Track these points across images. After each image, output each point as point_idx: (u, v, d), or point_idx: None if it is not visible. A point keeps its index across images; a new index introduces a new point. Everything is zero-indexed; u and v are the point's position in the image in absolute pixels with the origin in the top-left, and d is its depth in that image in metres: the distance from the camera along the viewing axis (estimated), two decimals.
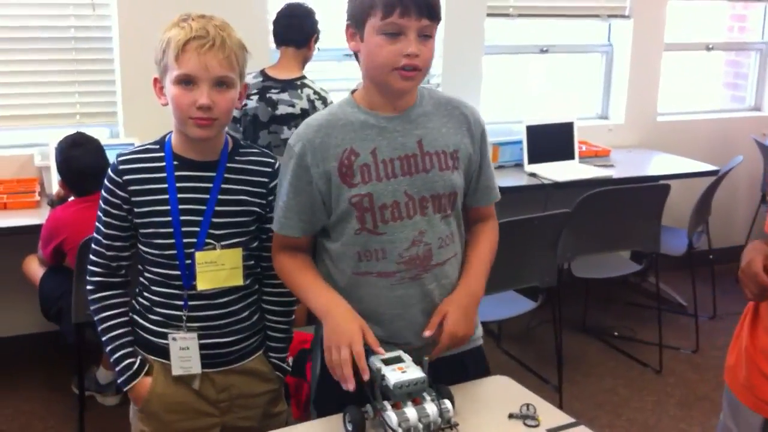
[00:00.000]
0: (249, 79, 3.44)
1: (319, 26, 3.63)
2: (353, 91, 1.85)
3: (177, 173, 1.87)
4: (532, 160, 4.49)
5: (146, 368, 1.93)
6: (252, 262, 1.97)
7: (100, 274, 1.94)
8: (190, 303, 1.90)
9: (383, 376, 1.65)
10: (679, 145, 5.08)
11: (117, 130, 4.07)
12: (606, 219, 3.77)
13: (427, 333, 1.80)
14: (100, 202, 1.91)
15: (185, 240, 1.87)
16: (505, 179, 4.25)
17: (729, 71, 5.94)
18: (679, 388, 3.91)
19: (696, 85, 5.84)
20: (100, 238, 1.92)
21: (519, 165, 4.52)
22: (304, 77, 3.50)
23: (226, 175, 1.90)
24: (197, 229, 1.87)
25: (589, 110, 5.31)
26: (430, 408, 1.63)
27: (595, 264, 4.06)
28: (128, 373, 1.92)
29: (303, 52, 3.54)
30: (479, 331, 1.99)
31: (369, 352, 1.73)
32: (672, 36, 5.20)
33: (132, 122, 4.01)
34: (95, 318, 1.95)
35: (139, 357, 1.94)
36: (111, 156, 3.29)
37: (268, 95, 3.43)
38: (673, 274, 4.73)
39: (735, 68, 5.88)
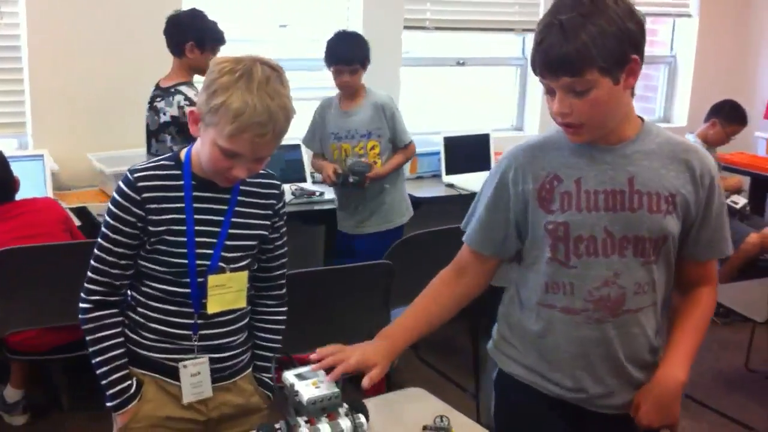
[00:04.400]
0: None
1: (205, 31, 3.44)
2: None
3: (195, 193, 1.83)
4: (449, 171, 4.55)
5: (140, 391, 1.88)
6: (249, 284, 1.94)
7: (101, 292, 1.84)
8: (198, 323, 1.86)
9: (296, 391, 1.63)
10: None
11: (26, 141, 3.97)
12: None
13: None
14: (108, 218, 1.82)
15: (198, 261, 1.83)
16: (423, 190, 4.30)
17: (639, 84, 6.10)
18: None
19: None
20: (104, 255, 1.82)
21: (437, 176, 4.58)
22: (180, 84, 3.39)
23: (239, 198, 1.88)
24: (211, 251, 1.84)
25: (505, 122, 5.41)
26: (344, 423, 1.62)
27: None
28: (124, 397, 1.86)
29: (185, 60, 3.42)
30: None
31: (285, 365, 1.72)
32: None
33: (41, 133, 3.91)
34: (88, 337, 1.85)
35: (134, 379, 1.88)
36: (17, 168, 3.21)
37: (154, 104, 3.41)
38: None
39: (645, 81, 6.06)
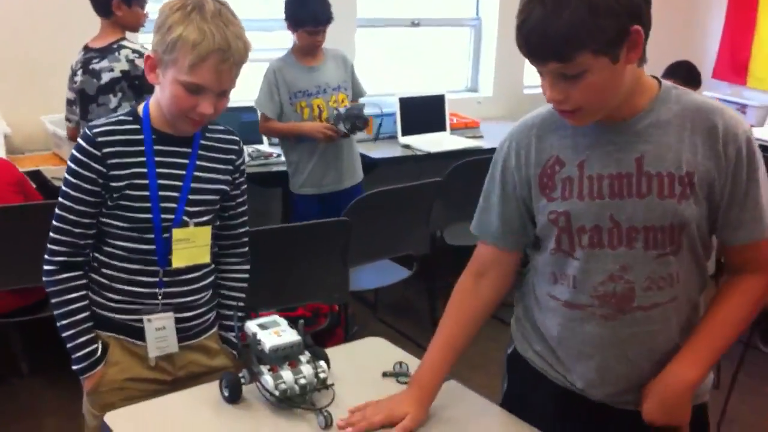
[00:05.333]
0: (76, 56, 3.31)
1: None
2: None
3: (156, 147, 1.82)
4: (405, 132, 4.58)
5: (106, 354, 1.88)
6: (212, 241, 1.95)
7: (65, 253, 1.83)
8: (164, 280, 1.87)
9: (259, 340, 1.67)
10: None
11: None
12: (477, 187, 3.82)
13: None
14: (68, 176, 1.79)
15: (162, 216, 1.82)
16: (380, 151, 4.33)
17: None
18: None
19: None
20: (65, 214, 1.80)
21: (393, 137, 4.60)
22: (121, 39, 3.29)
23: (200, 152, 1.88)
24: (174, 205, 1.84)
25: (459, 83, 5.45)
26: (306, 370, 1.66)
27: (467, 231, 4.15)
28: (90, 360, 1.86)
29: (115, 19, 3.30)
30: (702, 386, 1.62)
31: (246, 318, 1.76)
32: None
33: None
34: (53, 300, 1.84)
35: (100, 343, 1.87)
36: None
37: (90, 67, 3.26)
38: None
39: None
